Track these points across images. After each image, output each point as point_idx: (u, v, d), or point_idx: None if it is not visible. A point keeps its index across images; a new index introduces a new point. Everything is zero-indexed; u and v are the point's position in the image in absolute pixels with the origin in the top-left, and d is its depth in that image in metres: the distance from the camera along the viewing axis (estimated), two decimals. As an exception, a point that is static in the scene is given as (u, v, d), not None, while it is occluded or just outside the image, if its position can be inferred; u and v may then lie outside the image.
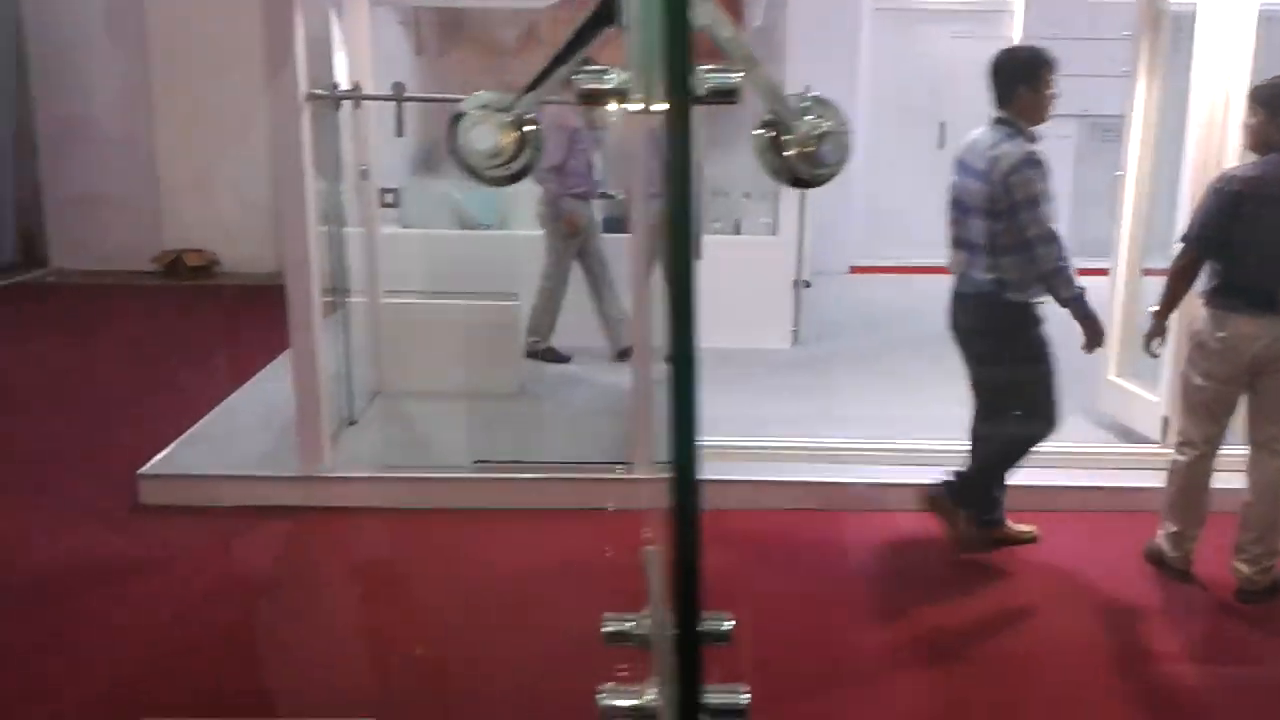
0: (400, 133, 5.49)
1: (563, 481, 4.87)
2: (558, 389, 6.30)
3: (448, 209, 7.49)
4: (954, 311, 4.20)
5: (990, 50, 4.09)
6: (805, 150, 0.97)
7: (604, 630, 1.04)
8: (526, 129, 1.00)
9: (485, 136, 0.96)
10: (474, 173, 1.00)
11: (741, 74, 0.87)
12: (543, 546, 4.56)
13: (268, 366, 6.37)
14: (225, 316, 8.43)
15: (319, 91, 4.90)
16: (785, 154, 0.98)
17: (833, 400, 6.02)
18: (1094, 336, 4.02)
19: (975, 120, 4.13)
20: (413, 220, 7.40)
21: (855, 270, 9.37)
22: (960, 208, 4.07)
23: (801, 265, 7.18)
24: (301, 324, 4.79)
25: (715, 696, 0.86)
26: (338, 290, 5.47)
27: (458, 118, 0.99)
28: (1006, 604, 4.12)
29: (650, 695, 0.94)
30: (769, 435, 5.17)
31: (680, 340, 0.74)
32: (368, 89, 5.62)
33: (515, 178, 1.01)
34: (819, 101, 1.01)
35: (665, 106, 0.72)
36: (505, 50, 8.31)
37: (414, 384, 5.98)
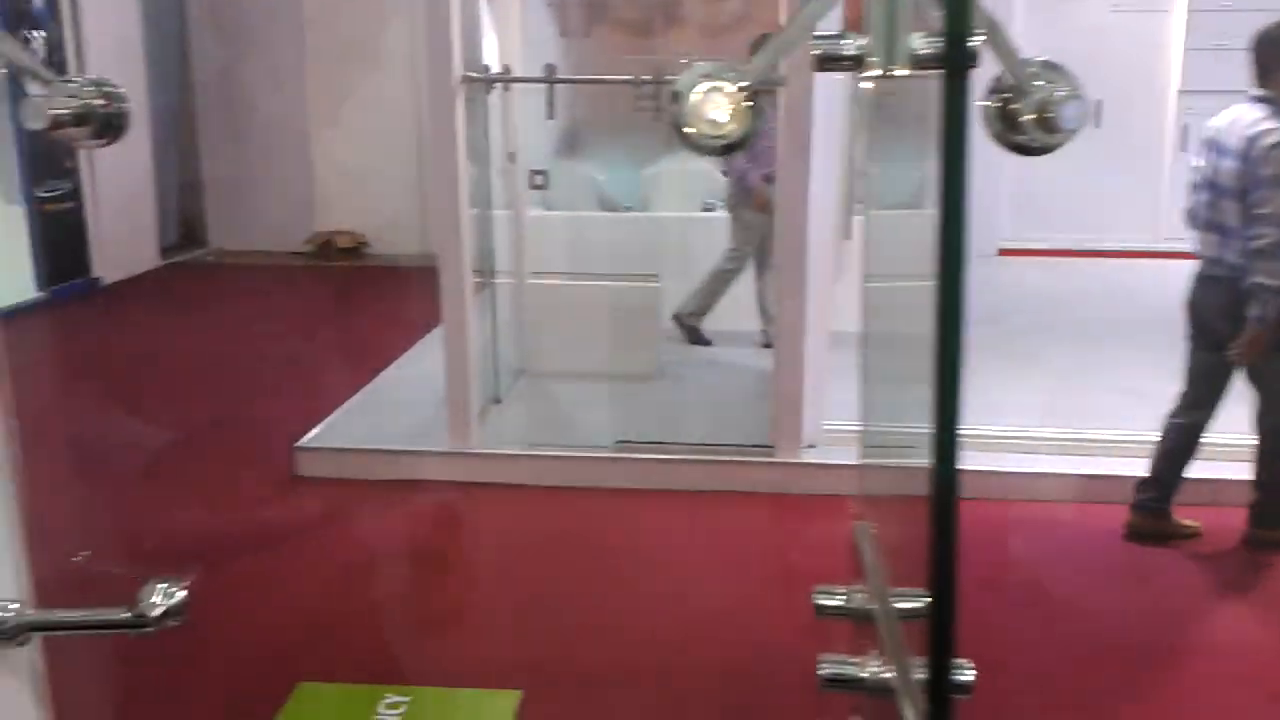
0: (550, 115, 5.54)
1: (705, 464, 4.88)
2: (698, 371, 6.30)
3: (590, 191, 7.56)
4: (1199, 293, 4.04)
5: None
6: (1042, 116, 0.95)
7: (815, 603, 1.03)
8: (748, 98, 0.99)
9: (716, 107, 0.96)
10: (697, 145, 1.00)
11: (983, 37, 0.85)
12: (686, 526, 4.57)
13: (415, 345, 6.53)
14: (373, 296, 8.68)
15: (473, 75, 4.97)
16: (1020, 120, 0.95)
17: (984, 387, 5.87)
18: (1251, 344, 3.82)
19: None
20: (557, 202, 7.49)
21: (1004, 253, 9.12)
22: (1214, 189, 3.92)
23: (948, 248, 7.01)
24: (453, 304, 4.89)
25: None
26: (484, 271, 5.57)
27: (682, 89, 0.99)
28: (1171, 599, 3.98)
29: (874, 667, 0.93)
30: (918, 423, 5.06)
31: (948, 328, 0.72)
32: (517, 71, 5.68)
33: (732, 148, 1.01)
34: (1048, 66, 0.99)
35: (943, 74, 0.70)
36: (649, 30, 8.33)
37: (557, 364, 6.06)
